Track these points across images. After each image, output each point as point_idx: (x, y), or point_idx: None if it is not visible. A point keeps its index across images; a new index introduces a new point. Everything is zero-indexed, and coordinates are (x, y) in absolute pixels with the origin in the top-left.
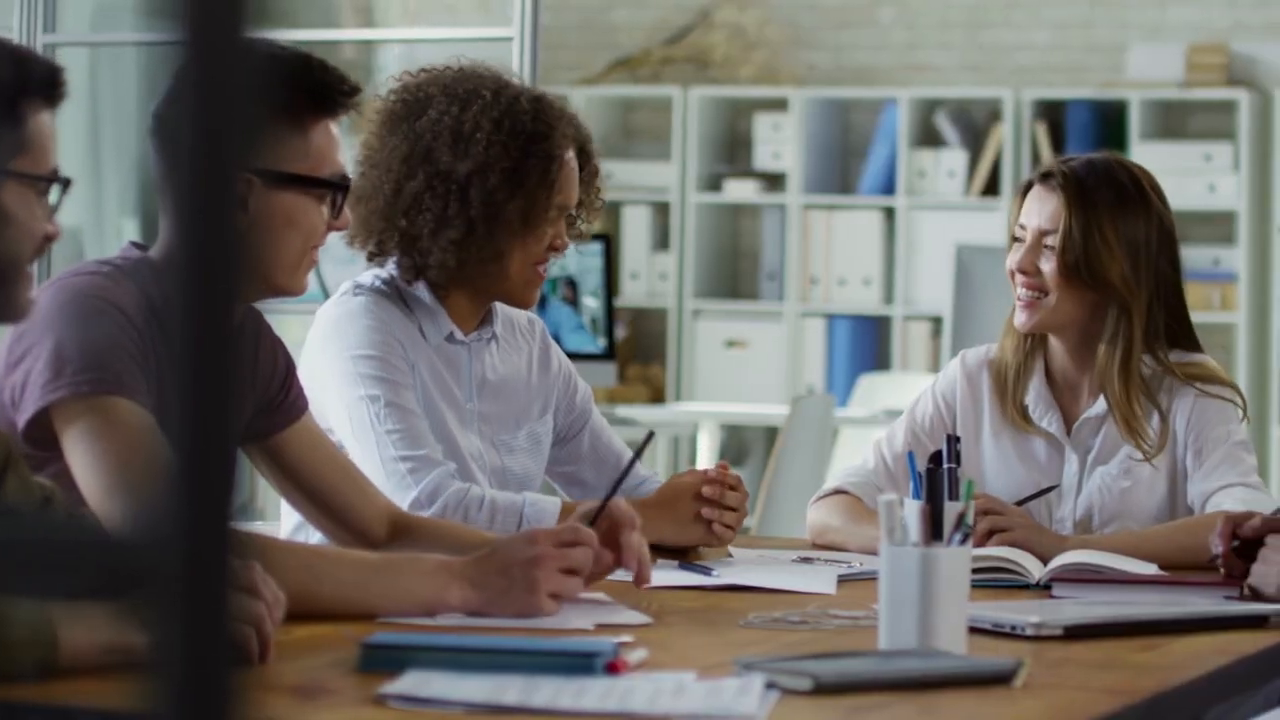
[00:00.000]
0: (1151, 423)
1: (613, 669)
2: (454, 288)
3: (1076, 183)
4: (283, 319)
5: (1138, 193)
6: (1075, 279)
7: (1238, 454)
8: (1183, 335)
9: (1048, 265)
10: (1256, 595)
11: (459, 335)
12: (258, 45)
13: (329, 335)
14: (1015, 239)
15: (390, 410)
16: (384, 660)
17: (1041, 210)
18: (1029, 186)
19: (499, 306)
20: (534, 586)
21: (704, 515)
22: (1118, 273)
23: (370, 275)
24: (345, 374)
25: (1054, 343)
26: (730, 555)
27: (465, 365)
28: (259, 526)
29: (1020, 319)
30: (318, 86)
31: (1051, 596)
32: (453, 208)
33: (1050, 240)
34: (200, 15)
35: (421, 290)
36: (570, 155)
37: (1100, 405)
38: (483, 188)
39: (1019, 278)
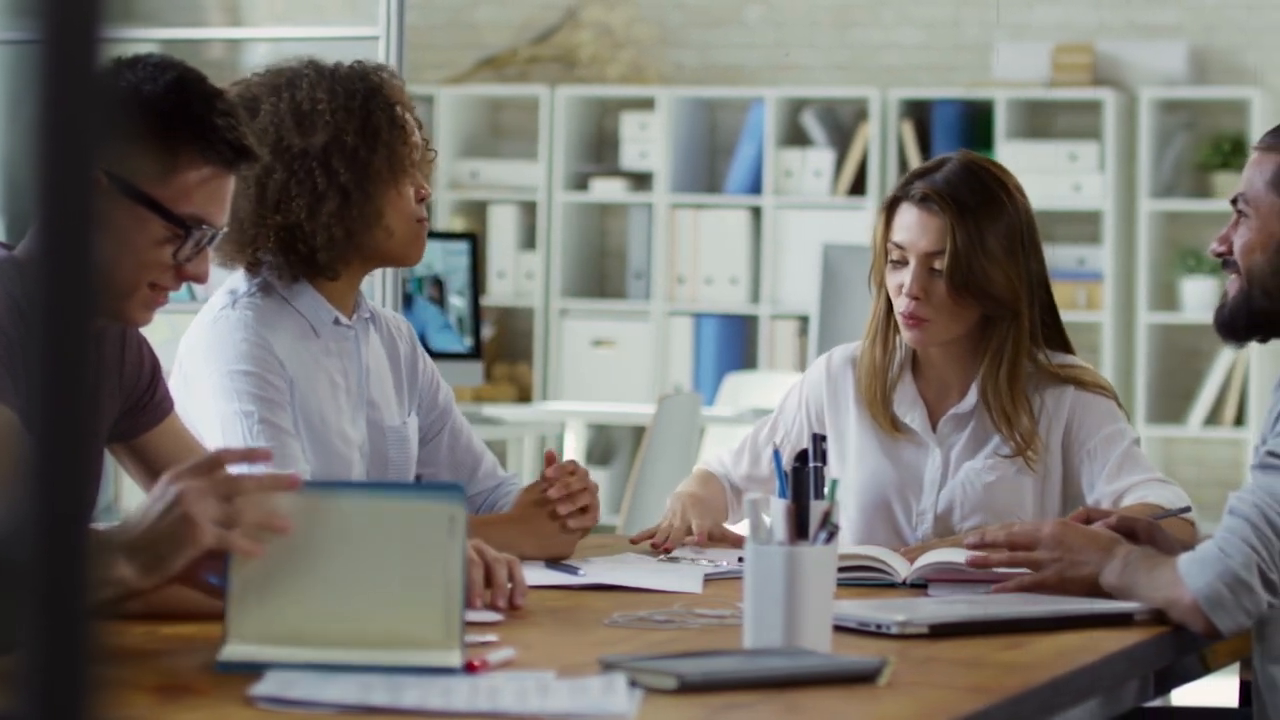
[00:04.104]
0: (1023, 422)
1: (471, 668)
2: (342, 265)
3: (956, 203)
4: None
5: (1005, 195)
6: (965, 296)
7: (1135, 451)
8: (1054, 335)
9: (937, 285)
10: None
11: (344, 320)
12: (169, 65)
13: (210, 349)
14: (894, 261)
15: (264, 428)
16: (241, 663)
17: (924, 233)
18: (895, 202)
19: (365, 299)
20: (189, 520)
21: (561, 516)
22: (1003, 283)
23: (243, 281)
24: (222, 389)
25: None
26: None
27: (354, 352)
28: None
29: (913, 337)
30: (200, 121)
31: (925, 595)
32: (321, 182)
33: (937, 263)
34: (58, 12)
35: (300, 284)
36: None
37: (968, 402)
38: (342, 153)
39: (907, 301)
